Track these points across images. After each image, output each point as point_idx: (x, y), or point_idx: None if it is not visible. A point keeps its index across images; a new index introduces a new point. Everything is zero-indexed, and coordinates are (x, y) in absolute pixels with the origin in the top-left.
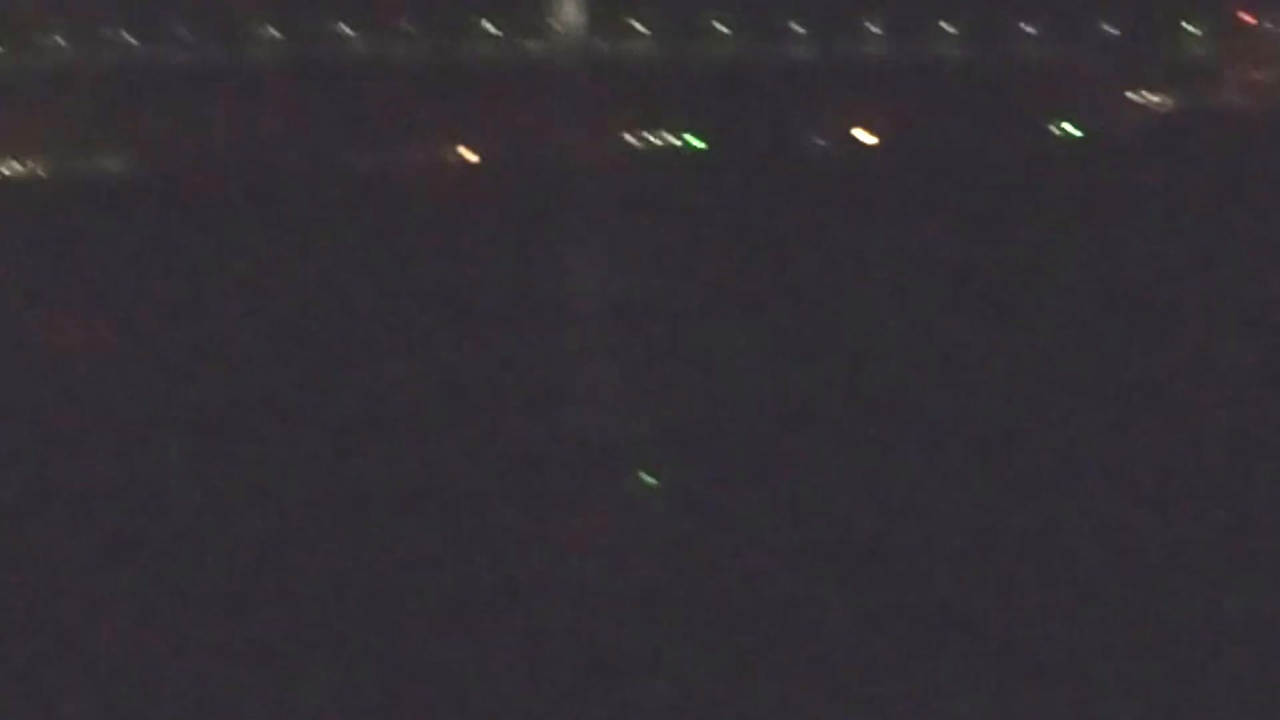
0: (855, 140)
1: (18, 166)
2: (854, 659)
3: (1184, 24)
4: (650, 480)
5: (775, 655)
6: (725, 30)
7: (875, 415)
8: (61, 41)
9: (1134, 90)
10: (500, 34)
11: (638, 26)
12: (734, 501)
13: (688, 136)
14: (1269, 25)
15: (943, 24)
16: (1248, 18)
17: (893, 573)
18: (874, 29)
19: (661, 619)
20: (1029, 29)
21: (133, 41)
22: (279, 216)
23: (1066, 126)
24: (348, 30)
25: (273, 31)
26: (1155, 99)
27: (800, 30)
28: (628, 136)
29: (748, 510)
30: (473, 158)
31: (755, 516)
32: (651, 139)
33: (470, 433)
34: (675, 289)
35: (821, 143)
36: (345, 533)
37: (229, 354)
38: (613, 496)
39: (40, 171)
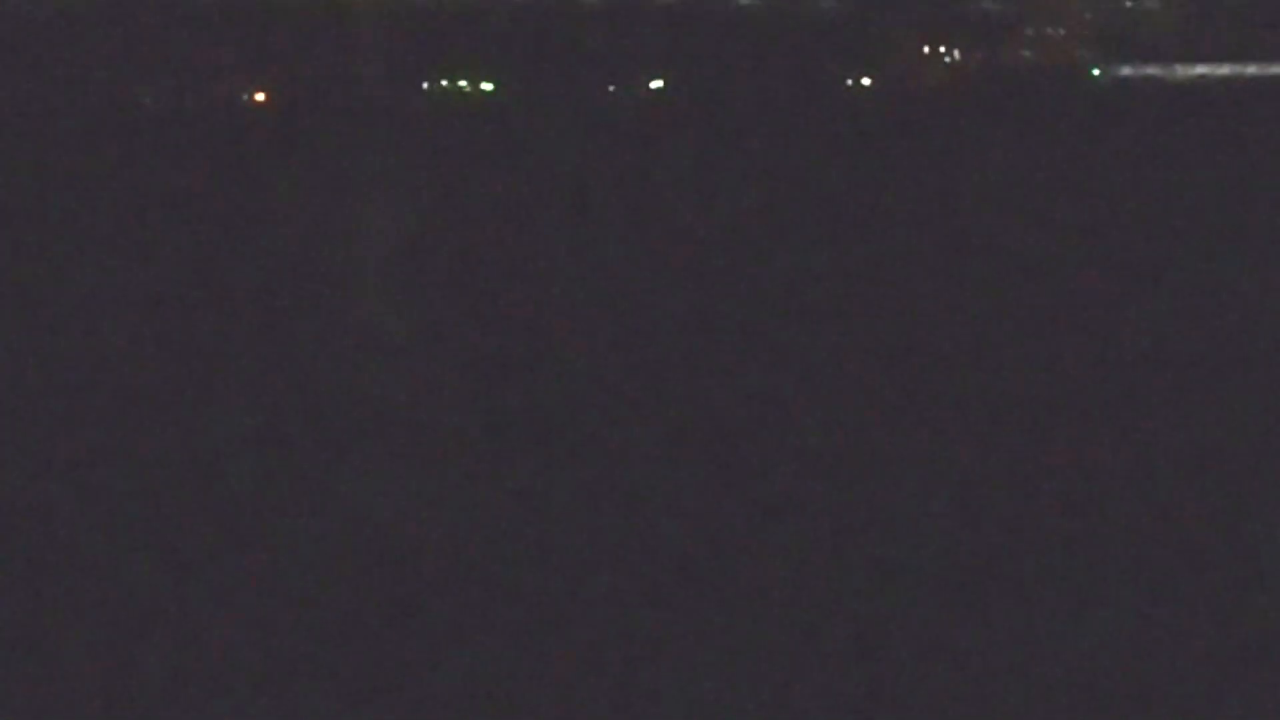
0: (649, 88)
1: None
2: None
3: None
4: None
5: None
6: None
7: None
8: None
9: (931, 45)
10: None
11: None
12: (524, 448)
13: (483, 83)
14: None
15: None
16: None
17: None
18: None
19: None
20: None
21: None
22: (71, 154)
23: (864, 80)
24: None
25: None
26: (953, 53)
27: None
28: (424, 84)
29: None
30: (260, 98)
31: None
32: (446, 85)
33: (262, 374)
34: (465, 227)
35: (612, 89)
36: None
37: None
38: (407, 441)
39: None
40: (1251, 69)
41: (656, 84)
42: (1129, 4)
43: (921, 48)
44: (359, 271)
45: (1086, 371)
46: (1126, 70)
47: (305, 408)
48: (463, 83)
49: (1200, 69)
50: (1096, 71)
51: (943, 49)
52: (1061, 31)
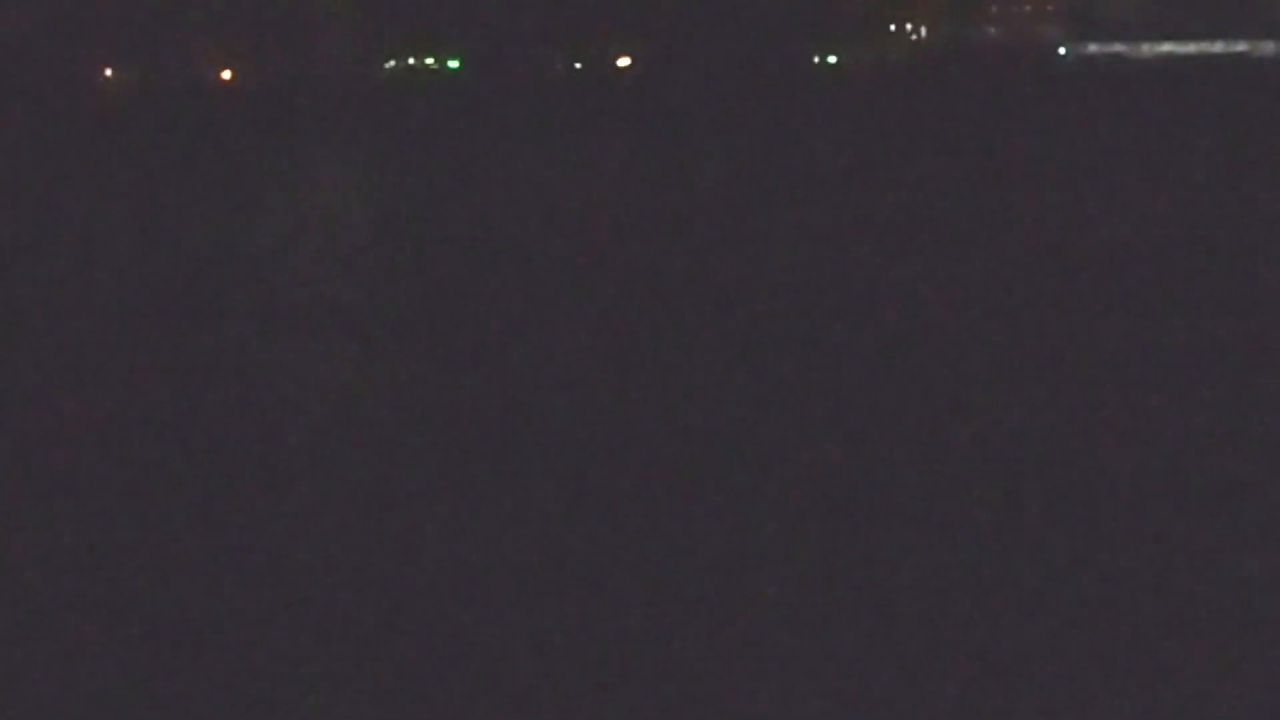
0: (612, 64)
1: None
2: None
3: None
4: None
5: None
6: None
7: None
8: None
9: (897, 22)
10: None
11: None
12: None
13: (449, 61)
14: None
15: None
16: None
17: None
18: None
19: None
20: None
21: None
22: (37, 130)
23: (830, 59)
24: None
25: None
26: (919, 31)
27: None
28: (391, 61)
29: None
30: (226, 76)
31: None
32: (412, 62)
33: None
34: (431, 207)
35: (578, 66)
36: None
37: None
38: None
39: None
40: (1218, 46)
41: (624, 61)
42: None
43: (887, 25)
44: (323, 250)
45: (1055, 347)
46: (1093, 48)
47: (271, 386)
48: (429, 60)
49: (1167, 46)
50: (1063, 49)
51: (909, 26)
52: (1028, 9)
